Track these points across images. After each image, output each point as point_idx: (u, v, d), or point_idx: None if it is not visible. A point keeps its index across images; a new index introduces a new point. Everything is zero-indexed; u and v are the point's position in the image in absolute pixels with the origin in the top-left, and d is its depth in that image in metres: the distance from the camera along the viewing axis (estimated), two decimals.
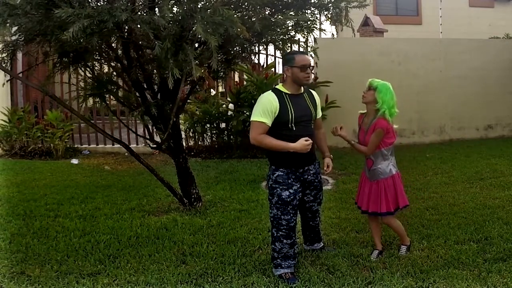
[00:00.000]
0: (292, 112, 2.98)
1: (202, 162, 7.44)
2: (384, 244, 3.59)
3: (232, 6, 3.71)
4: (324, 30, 4.86)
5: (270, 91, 3.08)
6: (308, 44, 6.86)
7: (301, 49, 8.47)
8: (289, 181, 3.05)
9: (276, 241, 3.11)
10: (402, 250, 3.44)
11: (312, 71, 3.09)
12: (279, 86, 3.11)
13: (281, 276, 3.07)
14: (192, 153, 8.00)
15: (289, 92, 3.05)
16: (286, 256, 3.10)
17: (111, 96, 4.98)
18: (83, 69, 4.41)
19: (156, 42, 3.10)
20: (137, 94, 4.35)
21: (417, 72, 9.13)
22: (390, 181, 3.29)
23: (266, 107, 2.94)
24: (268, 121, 2.94)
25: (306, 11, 4.20)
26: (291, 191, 3.03)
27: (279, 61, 8.85)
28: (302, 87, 3.14)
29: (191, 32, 3.42)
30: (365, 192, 3.37)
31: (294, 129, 2.99)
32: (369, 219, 3.51)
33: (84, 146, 8.82)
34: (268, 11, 4.08)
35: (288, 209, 3.04)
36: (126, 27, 3.51)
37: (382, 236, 3.71)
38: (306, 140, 2.91)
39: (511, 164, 6.58)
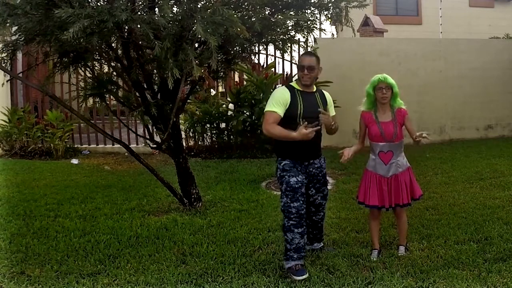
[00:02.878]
0: (302, 107, 3.12)
1: (202, 162, 7.44)
2: (384, 244, 3.59)
3: (232, 6, 3.71)
4: (324, 30, 4.88)
5: (284, 86, 3.28)
6: (308, 44, 6.87)
7: (301, 49, 8.51)
8: (295, 169, 3.16)
9: (287, 232, 3.13)
10: (401, 250, 3.44)
11: (312, 72, 3.17)
12: (293, 83, 3.27)
13: (291, 268, 3.09)
14: (192, 153, 8.00)
15: (301, 89, 3.20)
16: (297, 248, 3.12)
17: (111, 96, 4.98)
18: (83, 69, 4.41)
19: (156, 42, 3.11)
20: (137, 94, 4.35)
21: (417, 72, 9.13)
22: (407, 173, 3.36)
23: (278, 98, 3.12)
24: (280, 111, 3.08)
25: (306, 11, 4.21)
26: (298, 178, 3.13)
27: (279, 61, 8.89)
28: (314, 87, 3.29)
29: (191, 32, 3.43)
30: (384, 190, 3.31)
31: (302, 124, 3.07)
32: (370, 218, 3.49)
33: (84, 146, 8.82)
34: (268, 11, 4.08)
35: (297, 196, 3.10)
36: (126, 27, 3.51)
37: (381, 236, 3.72)
38: (306, 129, 2.97)
39: (511, 164, 6.58)
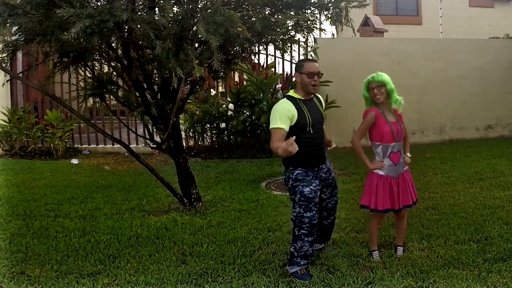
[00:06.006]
0: (309, 116, 3.09)
1: (202, 162, 7.44)
2: (384, 244, 3.59)
3: (232, 6, 3.71)
4: (324, 30, 4.88)
5: (285, 98, 3.16)
6: (308, 44, 6.88)
7: (301, 49, 8.51)
8: (308, 178, 3.11)
9: (297, 240, 3.10)
10: (399, 251, 3.43)
11: (320, 78, 3.16)
12: (291, 93, 3.19)
13: (296, 272, 3.09)
14: (192, 153, 8.00)
15: (302, 98, 3.14)
16: (305, 255, 3.11)
17: (111, 96, 4.98)
18: (83, 69, 4.41)
19: (157, 42, 3.11)
20: (137, 94, 4.35)
21: (417, 72, 9.13)
22: (408, 171, 3.38)
23: (283, 114, 3.03)
24: (286, 127, 3.02)
25: (306, 11, 4.21)
26: (311, 187, 3.09)
27: (279, 61, 8.89)
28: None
29: (191, 32, 3.43)
30: (395, 191, 3.25)
31: (312, 132, 3.10)
32: (372, 219, 3.43)
33: (84, 146, 8.83)
34: (268, 11, 4.08)
35: (311, 206, 3.07)
36: (126, 27, 3.51)
37: (382, 236, 3.72)
38: (290, 144, 2.89)
39: (511, 164, 6.58)
